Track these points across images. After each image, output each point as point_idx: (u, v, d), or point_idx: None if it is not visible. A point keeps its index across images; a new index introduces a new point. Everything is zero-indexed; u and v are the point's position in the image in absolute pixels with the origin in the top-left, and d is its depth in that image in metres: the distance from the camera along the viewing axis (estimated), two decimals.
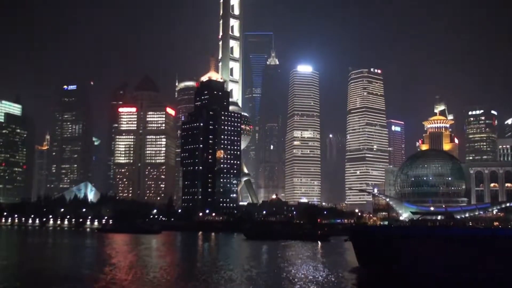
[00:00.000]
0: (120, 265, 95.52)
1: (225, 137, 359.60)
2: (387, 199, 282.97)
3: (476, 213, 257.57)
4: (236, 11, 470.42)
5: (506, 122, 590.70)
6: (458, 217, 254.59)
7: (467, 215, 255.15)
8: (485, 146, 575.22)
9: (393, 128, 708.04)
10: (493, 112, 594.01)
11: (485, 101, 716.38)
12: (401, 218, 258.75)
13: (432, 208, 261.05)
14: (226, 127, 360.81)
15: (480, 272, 71.23)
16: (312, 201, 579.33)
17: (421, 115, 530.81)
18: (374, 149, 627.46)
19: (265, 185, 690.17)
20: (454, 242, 76.67)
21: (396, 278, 76.89)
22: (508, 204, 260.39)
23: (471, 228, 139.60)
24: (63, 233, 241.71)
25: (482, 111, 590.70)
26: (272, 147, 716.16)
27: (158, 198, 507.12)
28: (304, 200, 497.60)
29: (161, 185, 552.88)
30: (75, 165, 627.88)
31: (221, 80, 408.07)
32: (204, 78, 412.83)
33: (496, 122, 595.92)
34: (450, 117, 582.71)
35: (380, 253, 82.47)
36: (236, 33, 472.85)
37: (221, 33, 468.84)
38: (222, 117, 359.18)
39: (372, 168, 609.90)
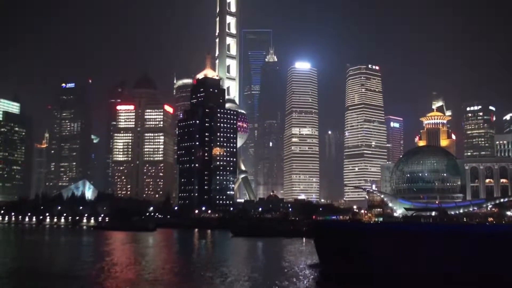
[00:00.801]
0: (110, 263, 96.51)
1: (221, 134, 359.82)
2: (382, 196, 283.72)
3: (471, 209, 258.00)
4: (233, 9, 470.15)
5: (504, 118, 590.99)
6: (453, 213, 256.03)
7: (461, 211, 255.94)
8: (483, 142, 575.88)
9: (392, 124, 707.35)
10: (491, 107, 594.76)
11: (483, 97, 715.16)
12: (395, 214, 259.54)
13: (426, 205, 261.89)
14: (222, 125, 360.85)
15: (424, 267, 71.86)
16: (311, 198, 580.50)
17: (420, 111, 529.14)
18: (373, 146, 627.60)
19: (264, 182, 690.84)
20: (408, 238, 77.19)
21: (349, 276, 76.16)
22: (502, 200, 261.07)
23: (428, 224, 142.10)
24: (59, 231, 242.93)
25: (480, 106, 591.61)
26: (271, 144, 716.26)
27: (157, 196, 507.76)
28: (302, 197, 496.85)
29: (160, 183, 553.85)
30: (74, 163, 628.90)
31: (217, 78, 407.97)
32: (200, 76, 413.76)
33: (494, 117, 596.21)
34: (448, 113, 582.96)
35: (335, 249, 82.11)
36: (233, 30, 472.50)
37: (217, 31, 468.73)
38: (218, 115, 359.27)
39: (371, 165, 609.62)
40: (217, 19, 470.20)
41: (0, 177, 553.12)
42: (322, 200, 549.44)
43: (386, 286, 71.91)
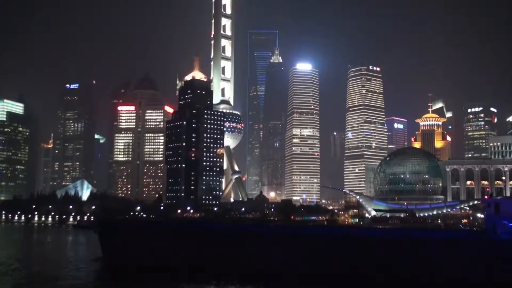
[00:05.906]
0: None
1: (208, 135, 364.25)
2: (357, 197, 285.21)
3: (444, 211, 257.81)
4: (228, 11, 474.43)
5: (508, 120, 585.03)
6: (426, 214, 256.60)
7: (434, 212, 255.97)
8: (484, 144, 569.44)
9: (396, 125, 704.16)
10: (492, 109, 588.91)
11: (485, 98, 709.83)
12: (367, 215, 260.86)
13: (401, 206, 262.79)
14: (209, 126, 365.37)
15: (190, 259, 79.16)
16: (312, 198, 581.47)
17: (424, 113, 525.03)
18: (373, 147, 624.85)
19: (268, 183, 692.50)
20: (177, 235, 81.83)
21: (118, 269, 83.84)
22: (476, 202, 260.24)
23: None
24: (39, 229, 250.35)
25: (481, 108, 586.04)
26: (276, 144, 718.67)
27: (157, 196, 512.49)
28: (297, 198, 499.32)
29: (160, 183, 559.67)
30: (77, 163, 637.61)
31: (205, 79, 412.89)
32: (188, 77, 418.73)
33: (495, 119, 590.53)
34: (449, 114, 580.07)
35: (110, 245, 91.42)
36: (228, 32, 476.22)
37: (213, 32, 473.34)
38: (205, 116, 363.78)
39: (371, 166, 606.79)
40: (212, 21, 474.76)
41: (4, 176, 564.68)
42: (323, 201, 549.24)
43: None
